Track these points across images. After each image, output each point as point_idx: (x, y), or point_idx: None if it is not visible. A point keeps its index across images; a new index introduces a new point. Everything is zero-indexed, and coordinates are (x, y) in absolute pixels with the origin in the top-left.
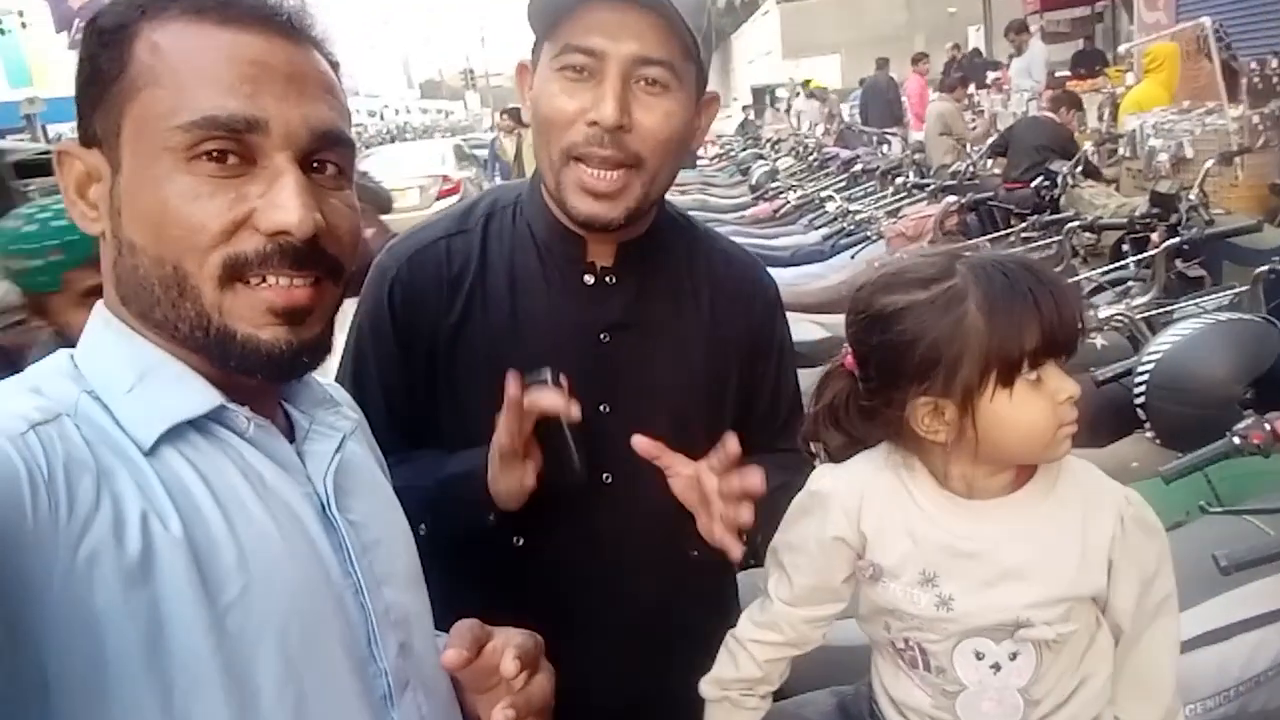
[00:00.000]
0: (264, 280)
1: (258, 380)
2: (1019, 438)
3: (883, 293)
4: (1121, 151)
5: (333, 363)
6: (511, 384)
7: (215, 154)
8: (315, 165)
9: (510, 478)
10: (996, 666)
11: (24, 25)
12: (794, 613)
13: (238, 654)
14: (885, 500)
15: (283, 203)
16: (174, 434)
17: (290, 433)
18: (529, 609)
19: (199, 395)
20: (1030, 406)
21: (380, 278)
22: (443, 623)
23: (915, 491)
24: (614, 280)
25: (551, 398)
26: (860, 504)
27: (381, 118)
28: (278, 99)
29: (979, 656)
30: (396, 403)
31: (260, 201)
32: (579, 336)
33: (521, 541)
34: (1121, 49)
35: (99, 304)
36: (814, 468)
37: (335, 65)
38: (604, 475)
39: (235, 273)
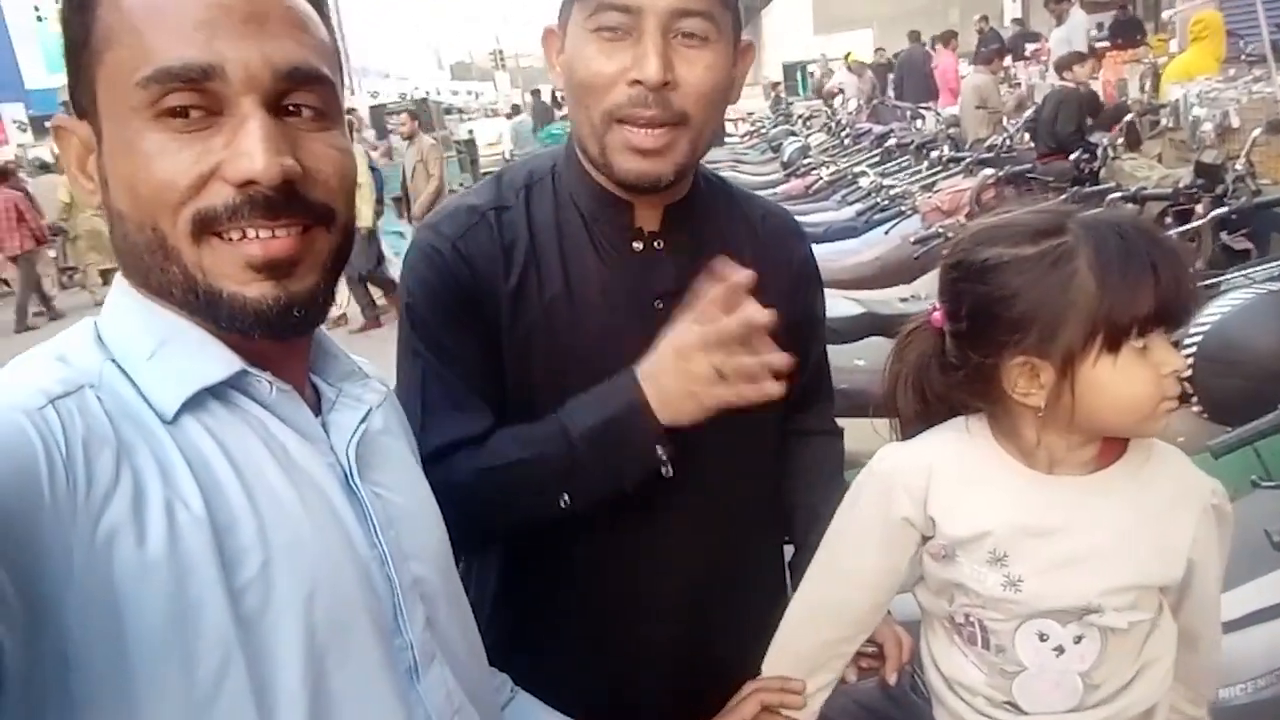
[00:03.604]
0: (243, 235)
1: (258, 339)
2: (1118, 407)
3: (987, 244)
4: (1165, 122)
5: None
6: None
7: (180, 109)
8: (291, 108)
9: (716, 393)
10: (1060, 649)
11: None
12: (853, 598)
13: (260, 628)
14: (957, 477)
15: (246, 150)
16: (195, 403)
17: (318, 406)
18: (589, 582)
19: (220, 361)
20: (1134, 376)
21: (435, 259)
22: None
23: (991, 466)
24: (662, 246)
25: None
26: (927, 484)
27: (412, 100)
28: (235, 40)
29: (1043, 638)
30: (490, 376)
31: (226, 152)
32: (632, 305)
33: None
34: (1165, 15)
35: (119, 273)
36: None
37: (316, 1)
38: (657, 445)
39: (206, 226)
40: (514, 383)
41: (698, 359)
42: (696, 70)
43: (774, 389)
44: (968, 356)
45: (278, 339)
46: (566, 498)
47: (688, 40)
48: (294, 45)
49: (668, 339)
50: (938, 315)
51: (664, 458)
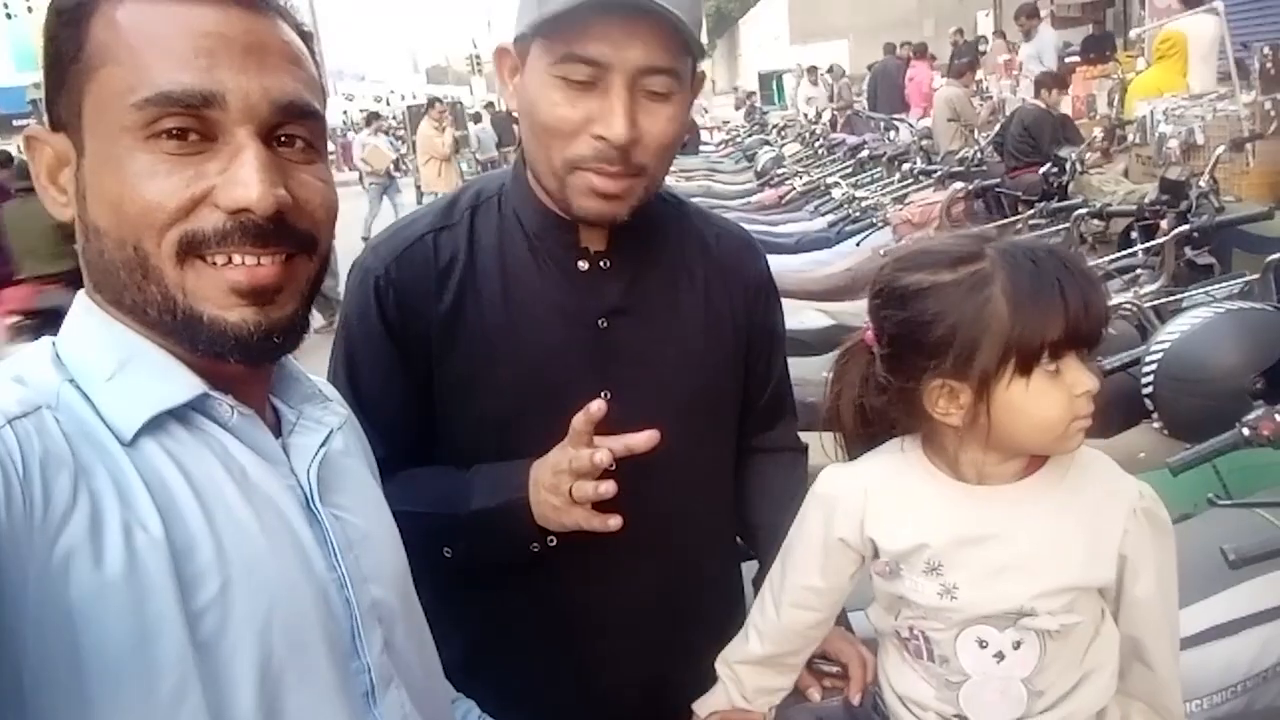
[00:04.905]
0: (229, 260)
1: (232, 363)
2: (1031, 427)
3: (908, 270)
4: (1131, 138)
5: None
6: (600, 454)
7: (175, 132)
8: (283, 139)
9: (573, 516)
10: (1000, 655)
11: (30, 10)
12: (796, 615)
13: (218, 650)
14: (892, 496)
15: (243, 179)
16: (154, 424)
17: (278, 428)
18: (544, 602)
19: (181, 383)
20: (1046, 398)
21: (367, 280)
22: (456, 623)
23: (923, 482)
24: (608, 265)
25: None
26: (864, 506)
27: (388, 103)
28: (236, 71)
29: (982, 645)
30: (395, 409)
31: (220, 178)
32: (576, 324)
33: (554, 541)
34: (1133, 34)
35: (81, 291)
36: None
37: (306, 36)
38: (529, 541)
39: (192, 249)
40: (455, 402)
41: (564, 480)
42: (659, 124)
43: (615, 523)
44: (891, 378)
45: (254, 364)
46: (448, 551)
47: (653, 96)
48: (289, 80)
49: (555, 456)
50: (870, 334)
51: (535, 549)
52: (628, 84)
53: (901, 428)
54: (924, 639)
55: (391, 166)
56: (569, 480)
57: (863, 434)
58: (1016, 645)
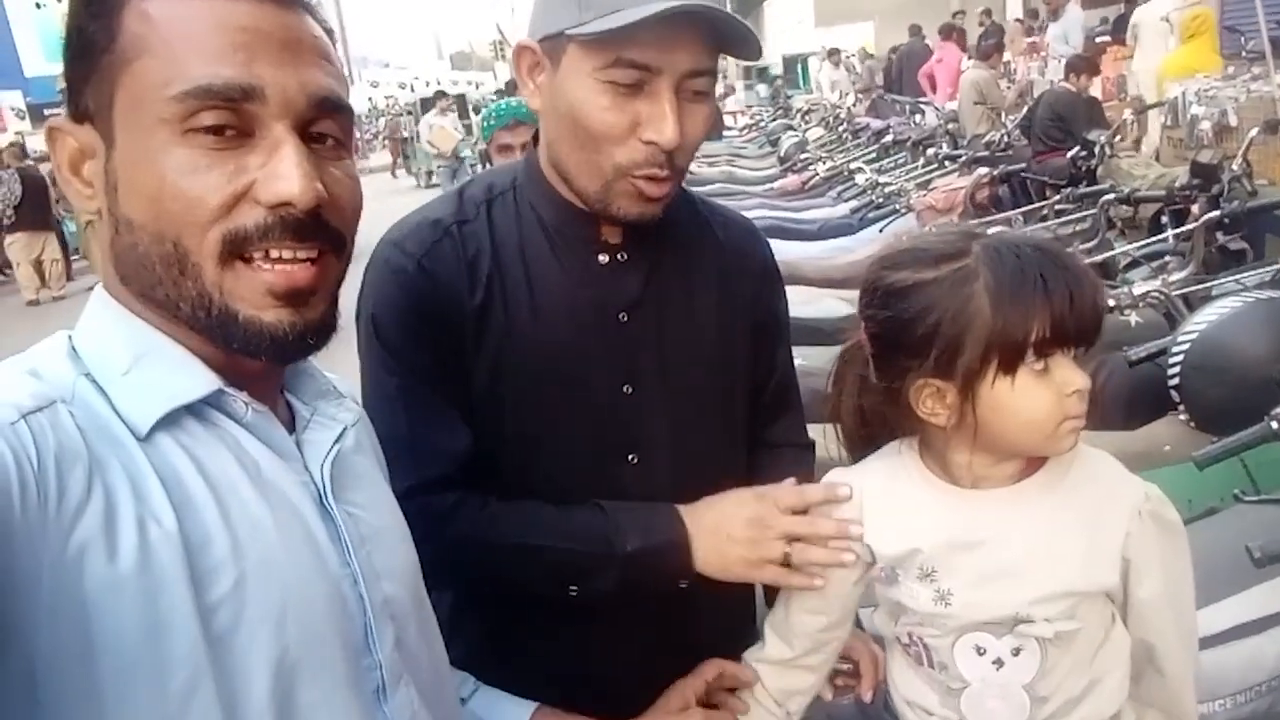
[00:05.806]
0: (266, 255)
1: (261, 362)
2: (1018, 427)
3: (894, 269)
4: (1163, 120)
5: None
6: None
7: (212, 126)
8: (315, 135)
9: (768, 574)
10: (999, 662)
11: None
12: (806, 620)
13: (232, 645)
14: (887, 501)
15: (284, 173)
16: (169, 419)
17: (292, 423)
18: (554, 598)
19: (197, 379)
20: (1033, 396)
21: (399, 277)
22: (463, 623)
23: (917, 486)
24: (626, 258)
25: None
26: (859, 514)
27: (412, 89)
28: (273, 66)
29: (980, 652)
30: (458, 399)
31: (260, 173)
32: (597, 317)
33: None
34: (1161, 13)
35: (98, 286)
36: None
37: (329, 32)
38: (630, 456)
39: (236, 249)
40: (483, 396)
41: (774, 545)
42: (697, 125)
43: (819, 584)
44: (882, 377)
45: (285, 363)
46: (574, 589)
47: (694, 97)
48: (322, 75)
49: (743, 510)
50: (864, 334)
51: (683, 585)
52: (674, 87)
53: (891, 429)
54: (923, 645)
55: (459, 148)
56: (781, 546)
57: (863, 435)
58: (1015, 652)
